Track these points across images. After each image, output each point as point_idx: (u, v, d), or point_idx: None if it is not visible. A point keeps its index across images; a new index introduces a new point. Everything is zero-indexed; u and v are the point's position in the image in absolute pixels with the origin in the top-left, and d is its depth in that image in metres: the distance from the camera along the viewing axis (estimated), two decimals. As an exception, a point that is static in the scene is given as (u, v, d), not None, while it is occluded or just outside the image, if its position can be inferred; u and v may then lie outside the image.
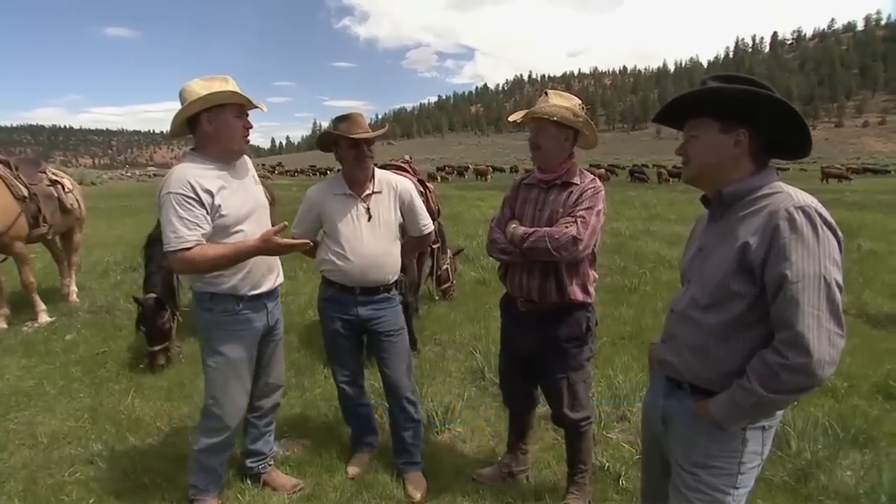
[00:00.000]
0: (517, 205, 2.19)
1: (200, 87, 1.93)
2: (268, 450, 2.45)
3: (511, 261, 2.13)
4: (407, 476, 2.44)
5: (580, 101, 2.09)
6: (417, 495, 2.35)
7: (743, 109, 1.30)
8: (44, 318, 4.68)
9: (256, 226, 2.08)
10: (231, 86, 1.97)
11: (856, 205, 14.35)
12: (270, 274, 2.18)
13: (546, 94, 2.09)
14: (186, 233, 1.86)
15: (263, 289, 2.13)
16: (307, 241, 1.96)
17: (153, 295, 3.63)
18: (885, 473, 2.37)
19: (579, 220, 1.98)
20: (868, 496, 2.27)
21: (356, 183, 2.33)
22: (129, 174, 46.03)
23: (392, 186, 2.39)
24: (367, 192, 2.33)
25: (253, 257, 1.92)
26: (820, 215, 1.21)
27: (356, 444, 2.66)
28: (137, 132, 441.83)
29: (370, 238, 2.31)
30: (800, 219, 1.20)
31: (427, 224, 2.52)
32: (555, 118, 2.00)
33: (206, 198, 1.92)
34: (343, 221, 2.30)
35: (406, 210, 2.43)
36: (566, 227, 1.98)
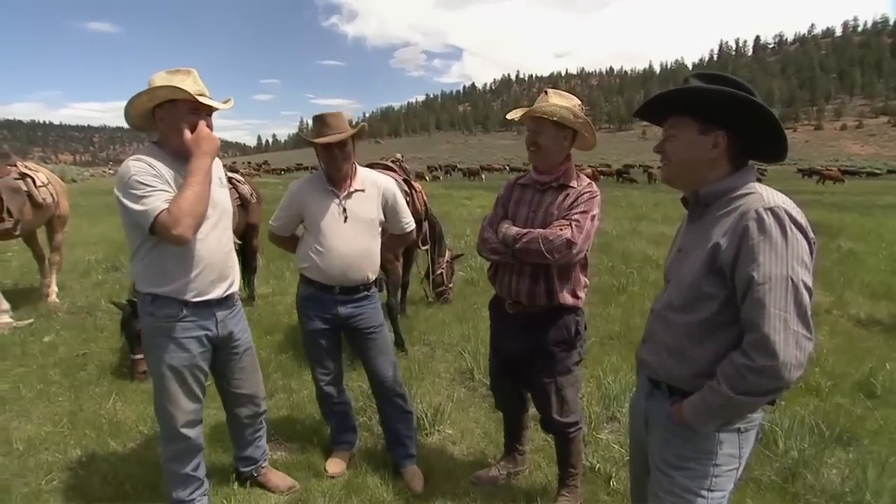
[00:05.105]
0: (511, 205, 2.15)
1: (160, 80, 1.80)
2: (259, 455, 2.41)
3: (502, 261, 2.09)
4: (405, 470, 2.46)
5: (580, 102, 2.04)
6: (418, 487, 2.38)
7: (722, 111, 1.28)
8: (4, 318, 4.44)
9: (214, 230, 1.95)
10: (190, 80, 1.82)
11: (835, 206, 14.66)
12: (221, 282, 2.01)
13: (546, 92, 2.04)
14: (162, 195, 1.74)
15: (211, 296, 1.97)
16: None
17: (132, 299, 3.50)
18: (869, 471, 2.40)
19: (574, 223, 1.93)
20: (853, 494, 2.30)
21: (335, 181, 2.33)
22: (111, 171, 44.88)
23: (376, 185, 2.40)
24: (349, 189, 2.33)
25: (208, 166, 1.81)
26: (790, 216, 1.19)
27: (334, 443, 2.65)
28: (121, 128, 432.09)
29: (350, 235, 2.30)
30: (768, 220, 1.19)
31: (409, 222, 2.54)
32: (554, 118, 1.95)
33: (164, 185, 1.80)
34: (323, 217, 2.29)
35: (389, 209, 2.43)
36: (560, 229, 1.93)
